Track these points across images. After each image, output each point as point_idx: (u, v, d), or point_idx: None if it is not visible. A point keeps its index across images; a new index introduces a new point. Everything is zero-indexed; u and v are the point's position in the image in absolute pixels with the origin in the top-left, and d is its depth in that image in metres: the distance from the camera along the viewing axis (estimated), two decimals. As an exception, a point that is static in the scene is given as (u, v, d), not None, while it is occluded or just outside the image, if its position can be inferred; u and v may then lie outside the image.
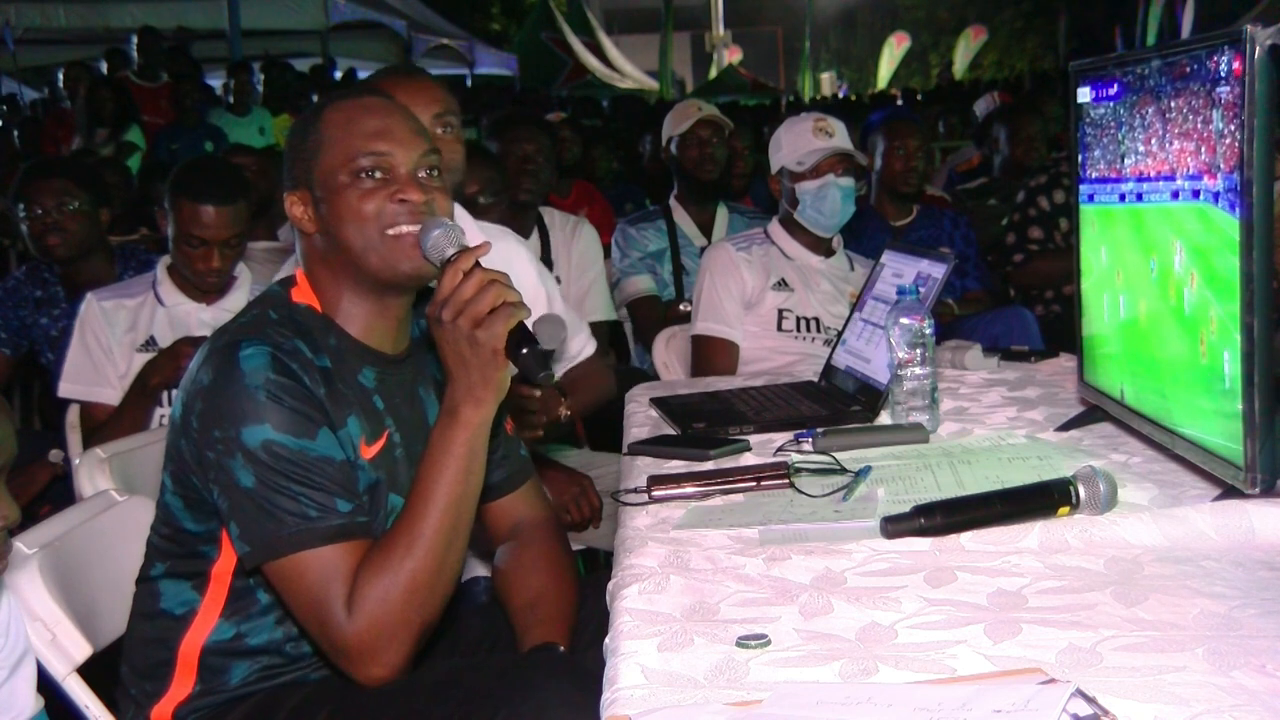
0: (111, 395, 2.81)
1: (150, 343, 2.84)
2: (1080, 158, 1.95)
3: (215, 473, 1.51)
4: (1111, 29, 19.74)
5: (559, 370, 2.63)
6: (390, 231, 1.58)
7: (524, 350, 1.50)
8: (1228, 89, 1.43)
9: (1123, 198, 1.79)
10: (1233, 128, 1.43)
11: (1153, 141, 1.67)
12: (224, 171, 2.98)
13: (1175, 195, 1.59)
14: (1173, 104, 1.60)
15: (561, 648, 1.64)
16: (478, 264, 1.51)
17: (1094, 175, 1.90)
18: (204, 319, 2.86)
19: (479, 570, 2.32)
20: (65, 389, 2.85)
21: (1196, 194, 1.53)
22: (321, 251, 1.64)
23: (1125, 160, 1.77)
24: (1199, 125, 1.52)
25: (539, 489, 1.91)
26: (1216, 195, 1.48)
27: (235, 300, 2.89)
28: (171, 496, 1.62)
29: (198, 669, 1.62)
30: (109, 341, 2.82)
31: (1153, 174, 1.68)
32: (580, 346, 2.69)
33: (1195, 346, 1.55)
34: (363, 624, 1.47)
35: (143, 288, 2.91)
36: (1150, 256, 1.69)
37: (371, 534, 1.54)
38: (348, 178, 1.60)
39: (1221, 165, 1.46)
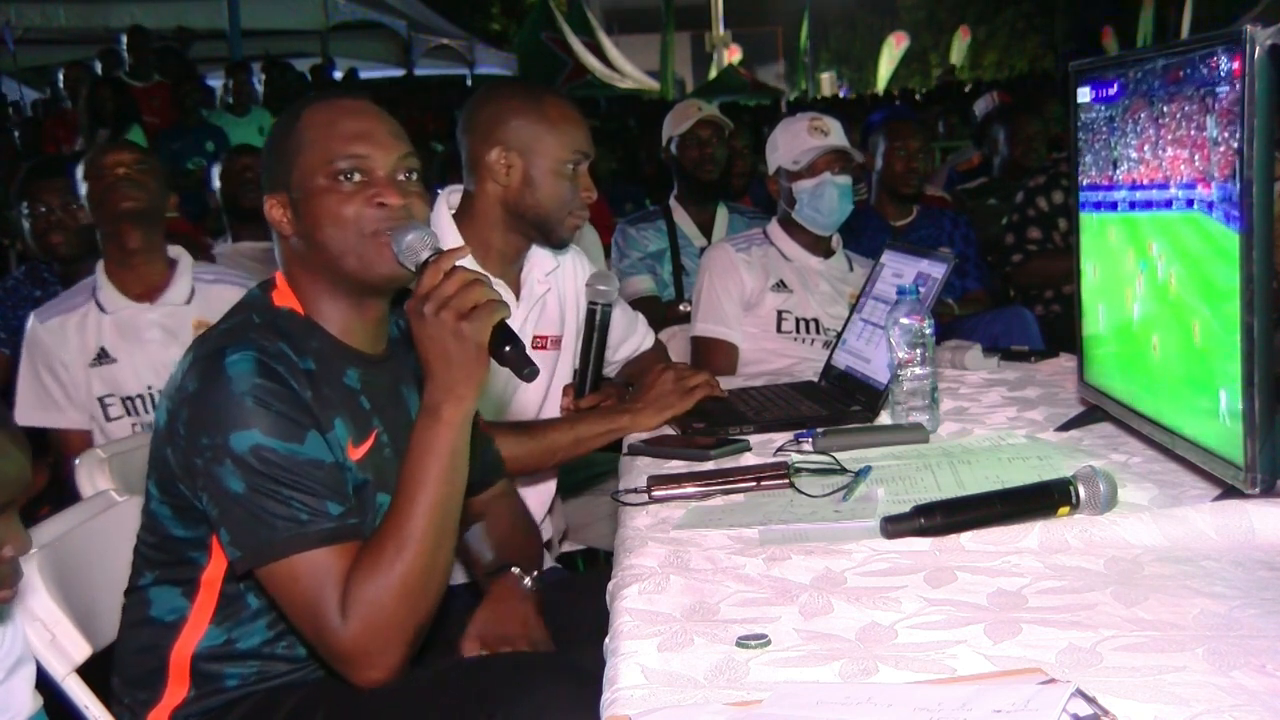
0: (74, 418, 2.75)
1: (102, 355, 2.76)
2: (1079, 161, 1.95)
3: (204, 480, 1.50)
4: (1105, 30, 19.77)
5: (614, 369, 2.67)
6: (368, 235, 1.58)
7: (507, 348, 1.50)
8: (1227, 90, 1.43)
9: (1114, 206, 1.80)
10: (1228, 134, 1.44)
11: (1145, 149, 1.68)
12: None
13: (1168, 204, 1.61)
14: (1166, 109, 1.61)
15: (517, 571, 1.79)
16: (456, 266, 1.51)
17: (1086, 182, 1.91)
18: (152, 319, 2.79)
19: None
20: (23, 416, 2.74)
21: (1190, 203, 1.54)
22: (299, 254, 1.63)
23: (1118, 167, 1.78)
24: (1192, 132, 1.53)
25: (508, 482, 2.00)
26: (1210, 204, 1.48)
27: (177, 292, 2.82)
28: (158, 505, 1.61)
29: (191, 675, 1.62)
30: (61, 362, 2.73)
31: (1145, 181, 1.69)
32: (640, 340, 2.73)
33: (1189, 350, 1.55)
34: (357, 627, 1.46)
35: (83, 296, 2.80)
36: (1142, 261, 1.70)
37: (362, 535, 1.53)
38: (326, 180, 1.59)
39: (1216, 174, 1.46)
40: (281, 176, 1.63)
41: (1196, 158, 1.51)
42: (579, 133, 2.32)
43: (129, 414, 2.76)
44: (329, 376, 1.60)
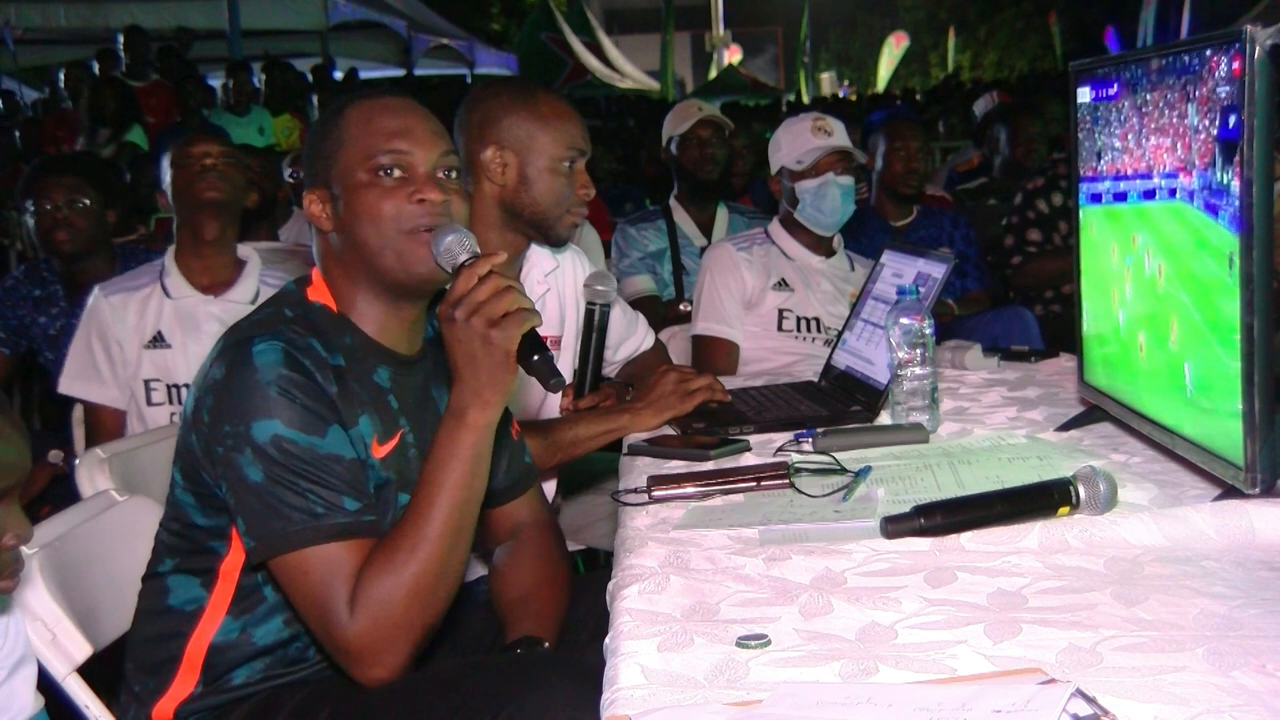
0: (113, 396, 2.78)
1: (158, 339, 2.79)
2: (1080, 158, 1.95)
3: (224, 468, 1.51)
4: (1107, 30, 19.78)
5: (614, 369, 2.67)
6: (408, 231, 1.59)
7: (535, 357, 1.51)
8: (1209, 80, 1.44)
9: (1099, 198, 1.81)
10: (1208, 122, 1.44)
11: (1131, 139, 1.69)
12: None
13: (1151, 195, 1.62)
14: (1149, 98, 1.61)
15: (546, 644, 1.66)
16: (492, 271, 1.51)
17: (1088, 174, 1.91)
18: (212, 312, 2.81)
19: (482, 571, 2.32)
20: (65, 385, 2.81)
21: (1172, 193, 1.55)
22: (337, 250, 1.64)
23: (1118, 159, 1.78)
24: (1174, 121, 1.53)
25: (539, 491, 1.93)
26: (1191, 194, 1.49)
27: (243, 290, 2.85)
28: (182, 492, 1.62)
29: (202, 668, 1.62)
30: (116, 338, 2.77)
31: (1129, 172, 1.70)
32: (640, 340, 2.72)
33: (1167, 345, 1.56)
34: (364, 625, 1.47)
35: (150, 278, 2.85)
36: (1128, 257, 1.71)
37: (379, 533, 1.54)
38: (366, 176, 1.60)
39: (1196, 163, 1.47)
40: (322, 172, 1.64)
41: (1178, 147, 1.52)
42: (574, 129, 2.31)
43: (170, 401, 2.78)
44: (358, 373, 1.60)
